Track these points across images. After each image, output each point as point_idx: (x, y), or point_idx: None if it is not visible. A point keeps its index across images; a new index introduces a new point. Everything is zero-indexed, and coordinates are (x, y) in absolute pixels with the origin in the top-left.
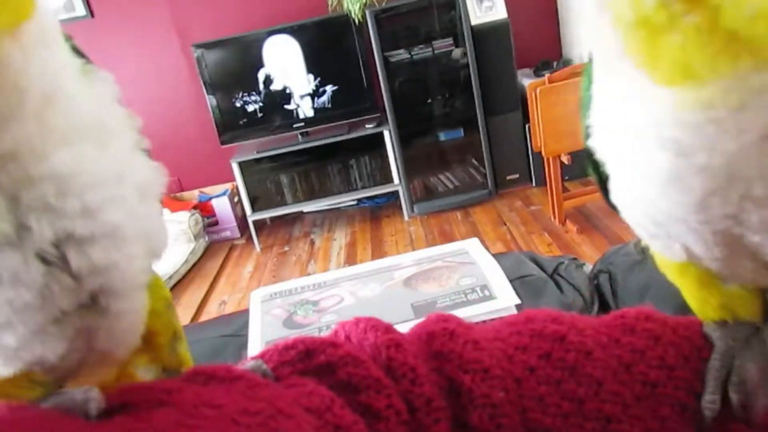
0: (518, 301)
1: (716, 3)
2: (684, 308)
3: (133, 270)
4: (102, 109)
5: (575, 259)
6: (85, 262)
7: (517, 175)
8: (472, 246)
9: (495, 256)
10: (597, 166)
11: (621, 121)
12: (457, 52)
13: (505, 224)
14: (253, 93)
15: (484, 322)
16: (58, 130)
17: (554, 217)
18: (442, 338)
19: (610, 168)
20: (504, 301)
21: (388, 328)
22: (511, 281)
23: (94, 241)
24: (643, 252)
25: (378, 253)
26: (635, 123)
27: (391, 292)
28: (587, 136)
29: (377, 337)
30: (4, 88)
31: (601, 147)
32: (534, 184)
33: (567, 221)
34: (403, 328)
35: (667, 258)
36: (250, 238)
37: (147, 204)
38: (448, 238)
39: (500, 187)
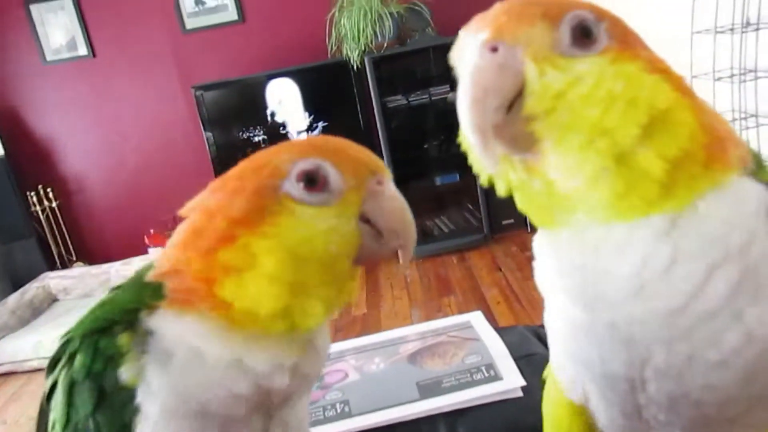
0: (524, 383)
1: (552, 177)
2: None
3: None
4: None
5: None
6: None
7: (512, 220)
8: (476, 319)
9: (499, 331)
10: None
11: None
12: (453, 97)
13: (500, 270)
14: (253, 132)
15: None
16: None
17: None
18: None
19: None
20: (510, 382)
21: None
22: (516, 360)
23: None
24: None
25: (373, 297)
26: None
27: (396, 369)
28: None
29: None
30: None
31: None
32: (529, 229)
33: None
34: (409, 408)
35: (566, 393)
36: None
37: None
38: (443, 282)
39: (495, 231)
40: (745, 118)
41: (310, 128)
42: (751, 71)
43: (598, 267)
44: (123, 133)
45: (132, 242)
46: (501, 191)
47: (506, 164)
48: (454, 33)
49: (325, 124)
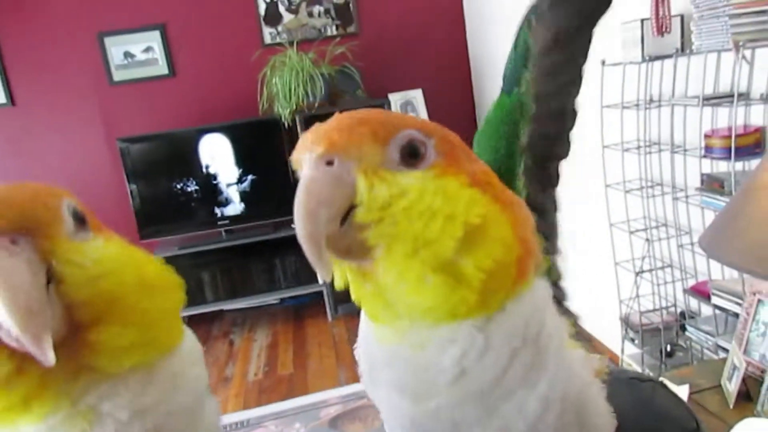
0: None
1: (382, 282)
2: None
3: None
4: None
5: None
6: None
7: None
8: None
9: None
10: None
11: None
12: None
13: None
14: (186, 183)
15: None
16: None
17: None
18: None
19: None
20: None
21: None
22: None
23: None
24: None
25: (300, 355)
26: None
27: None
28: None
29: None
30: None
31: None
32: None
33: None
34: None
35: None
36: None
37: None
38: None
39: None
40: (652, 186)
41: (240, 181)
42: (655, 144)
43: (423, 361)
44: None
45: None
46: (338, 284)
47: (343, 265)
48: (384, 95)
49: (254, 177)
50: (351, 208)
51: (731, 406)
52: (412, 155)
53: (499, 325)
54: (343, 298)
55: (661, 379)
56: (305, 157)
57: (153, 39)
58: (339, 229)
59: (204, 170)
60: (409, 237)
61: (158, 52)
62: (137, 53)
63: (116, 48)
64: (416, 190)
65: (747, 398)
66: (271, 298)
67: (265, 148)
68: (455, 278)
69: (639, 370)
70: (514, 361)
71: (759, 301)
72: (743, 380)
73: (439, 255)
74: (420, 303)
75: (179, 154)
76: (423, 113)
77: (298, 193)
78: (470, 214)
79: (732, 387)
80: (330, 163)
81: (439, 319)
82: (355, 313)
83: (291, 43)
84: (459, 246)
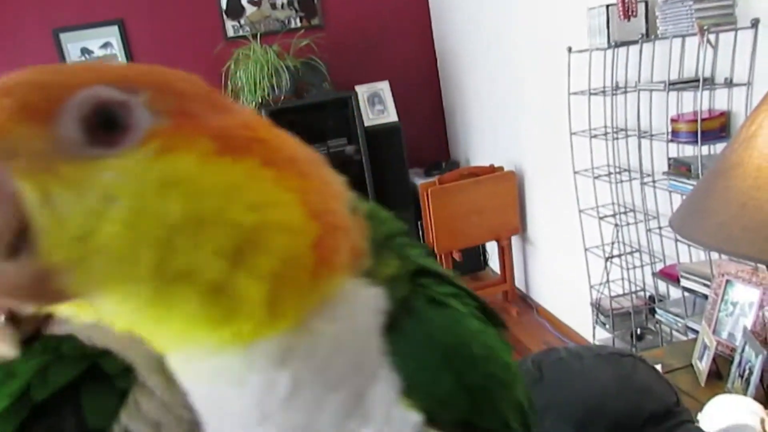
0: None
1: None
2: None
3: None
4: None
5: None
6: None
7: None
8: None
9: None
10: None
11: None
12: (350, 149)
13: None
14: None
15: None
16: None
17: None
18: None
19: None
20: None
21: None
22: None
23: None
24: (540, 370)
25: None
26: None
27: None
28: None
29: None
30: None
31: None
32: None
33: None
34: None
35: None
36: None
37: None
38: None
39: None
40: (620, 172)
41: None
42: (622, 129)
43: (220, 397)
44: None
45: None
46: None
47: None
48: (351, 88)
49: None
50: (24, 230)
51: (702, 385)
52: (107, 127)
53: (304, 351)
54: None
55: (639, 354)
56: None
57: (111, 34)
58: (7, 264)
59: None
60: (143, 276)
61: (117, 48)
62: (95, 49)
63: (73, 44)
64: (126, 190)
65: (717, 377)
66: None
67: None
68: (227, 297)
69: None
70: (326, 403)
71: (727, 281)
72: (713, 359)
73: (200, 284)
74: (180, 336)
75: None
76: (390, 105)
77: None
78: (236, 209)
79: (703, 366)
80: None
81: (220, 344)
82: None
83: (254, 36)
84: (230, 264)
